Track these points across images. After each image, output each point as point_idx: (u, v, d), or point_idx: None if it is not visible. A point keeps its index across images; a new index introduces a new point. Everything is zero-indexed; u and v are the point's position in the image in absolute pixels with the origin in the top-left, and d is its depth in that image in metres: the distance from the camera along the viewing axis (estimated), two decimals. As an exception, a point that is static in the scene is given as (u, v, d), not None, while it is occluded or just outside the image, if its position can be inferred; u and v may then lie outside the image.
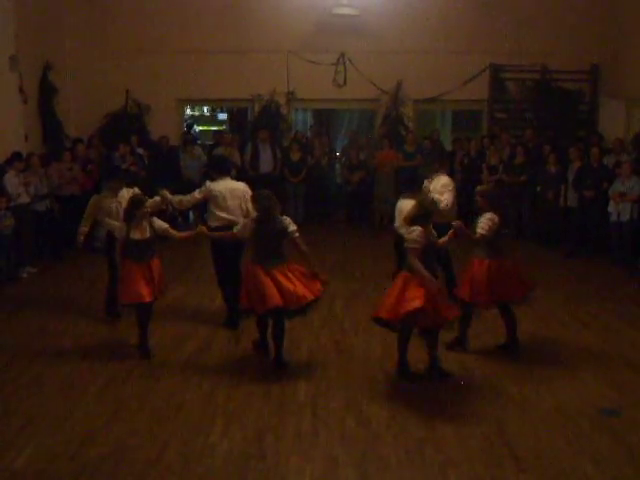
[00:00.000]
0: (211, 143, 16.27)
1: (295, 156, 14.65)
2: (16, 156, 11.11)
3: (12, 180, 10.77)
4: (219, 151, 14.47)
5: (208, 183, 8.67)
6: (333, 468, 5.49)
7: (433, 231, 7.04)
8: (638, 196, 11.25)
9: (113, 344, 8.09)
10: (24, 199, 10.92)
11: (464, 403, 6.63)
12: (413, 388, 6.95)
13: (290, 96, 15.63)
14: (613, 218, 11.55)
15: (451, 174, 14.34)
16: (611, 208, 11.55)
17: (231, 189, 8.53)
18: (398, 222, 8.33)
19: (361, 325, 8.67)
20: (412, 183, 9.07)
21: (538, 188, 13.14)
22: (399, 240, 7.92)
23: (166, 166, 13.98)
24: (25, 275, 10.93)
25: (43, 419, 6.28)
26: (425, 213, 6.97)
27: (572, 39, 15.16)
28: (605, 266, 11.66)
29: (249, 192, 8.22)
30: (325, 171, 15.09)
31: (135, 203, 7.61)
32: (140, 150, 13.93)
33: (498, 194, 7.88)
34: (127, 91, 15.24)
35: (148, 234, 7.62)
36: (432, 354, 7.20)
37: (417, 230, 6.84)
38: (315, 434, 6.01)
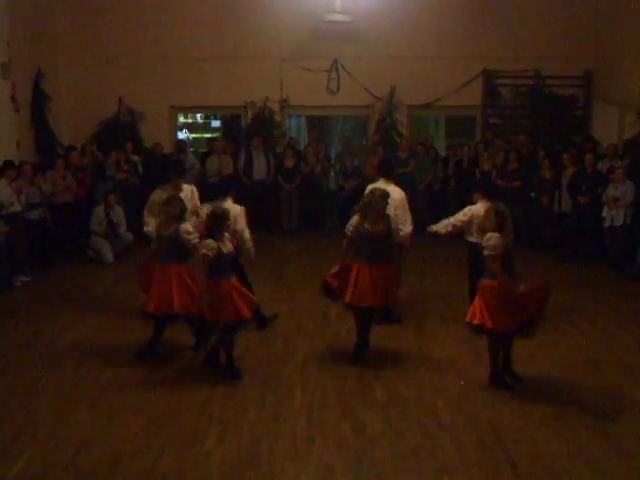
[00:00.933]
0: (204, 150, 16.24)
1: (289, 163, 14.63)
2: (8, 164, 11.06)
3: (4, 189, 10.70)
4: (213, 158, 14.45)
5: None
6: (328, 475, 5.47)
7: (510, 234, 7.05)
8: (631, 201, 11.27)
9: (108, 352, 8.05)
10: (16, 208, 10.86)
11: (460, 409, 6.62)
12: (408, 394, 6.93)
13: (283, 103, 15.63)
14: (607, 223, 11.56)
15: (446, 180, 14.48)
16: (605, 213, 11.57)
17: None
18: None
19: (356, 331, 8.64)
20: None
21: (532, 194, 13.14)
22: (474, 250, 7.97)
23: (159, 173, 13.92)
24: (19, 284, 10.87)
25: (37, 428, 6.25)
26: (501, 219, 6.94)
27: (565, 45, 15.19)
28: (600, 271, 11.66)
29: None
30: (319, 178, 15.07)
31: (220, 216, 7.16)
32: (134, 157, 13.90)
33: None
34: (120, 99, 15.23)
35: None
36: (509, 356, 7.27)
37: (494, 236, 6.83)
38: (310, 441, 5.99)
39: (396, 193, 8.42)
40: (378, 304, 7.58)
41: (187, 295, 7.49)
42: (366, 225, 7.53)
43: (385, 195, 7.70)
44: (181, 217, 7.66)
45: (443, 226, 8.67)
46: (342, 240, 7.85)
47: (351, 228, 7.65)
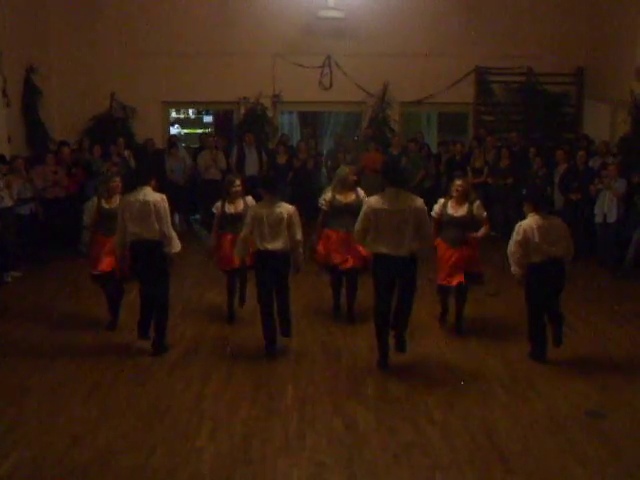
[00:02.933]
0: (196, 146, 16.21)
1: (281, 159, 14.61)
2: (-1, 159, 11.04)
3: (-5, 183, 10.68)
4: (205, 154, 14.42)
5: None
6: (320, 472, 5.47)
7: None
8: (622, 194, 11.28)
9: (99, 349, 8.03)
10: (7, 202, 10.83)
11: (452, 406, 6.62)
12: (400, 391, 6.93)
13: (276, 99, 15.62)
14: (598, 220, 11.58)
15: (437, 176, 14.48)
16: (596, 210, 11.59)
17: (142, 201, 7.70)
18: None
19: (348, 327, 8.66)
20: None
21: (524, 191, 13.14)
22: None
23: (151, 169, 13.91)
24: (9, 279, 10.84)
25: (28, 424, 6.23)
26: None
27: (557, 42, 15.24)
28: (591, 268, 11.69)
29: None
30: (311, 174, 15.05)
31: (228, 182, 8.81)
32: (126, 153, 13.86)
33: None
34: (112, 94, 15.17)
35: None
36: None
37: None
38: (302, 438, 5.99)
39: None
40: (353, 264, 8.64)
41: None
42: (338, 197, 8.91)
43: (352, 171, 9.26)
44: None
45: (516, 263, 7.73)
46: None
47: (324, 202, 8.93)
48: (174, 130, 19.60)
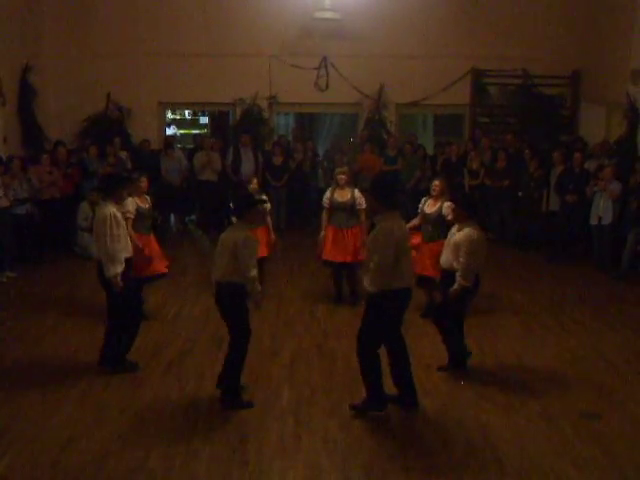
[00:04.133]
0: (192, 147, 16.20)
1: (277, 160, 14.59)
2: (-4, 159, 11.03)
3: (-9, 183, 10.67)
4: (200, 155, 14.40)
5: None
6: (316, 474, 5.47)
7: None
8: (618, 196, 11.29)
9: (95, 349, 8.00)
10: (4, 203, 10.81)
11: (448, 408, 6.63)
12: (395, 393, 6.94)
13: (272, 100, 15.59)
14: (593, 221, 11.60)
15: (433, 178, 14.45)
16: (592, 211, 11.60)
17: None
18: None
19: (343, 329, 8.66)
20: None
21: (520, 193, 13.19)
22: None
23: (147, 170, 13.91)
24: (5, 280, 10.82)
25: (23, 426, 6.22)
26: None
27: (553, 45, 15.26)
28: (587, 270, 11.72)
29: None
30: (307, 175, 15.05)
31: None
32: (123, 154, 13.84)
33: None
34: (108, 94, 15.15)
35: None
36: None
37: None
38: (298, 439, 6.00)
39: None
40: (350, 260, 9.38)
41: None
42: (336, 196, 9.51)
43: (341, 172, 9.67)
44: None
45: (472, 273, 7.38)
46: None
47: (327, 201, 9.57)
48: (170, 131, 19.58)
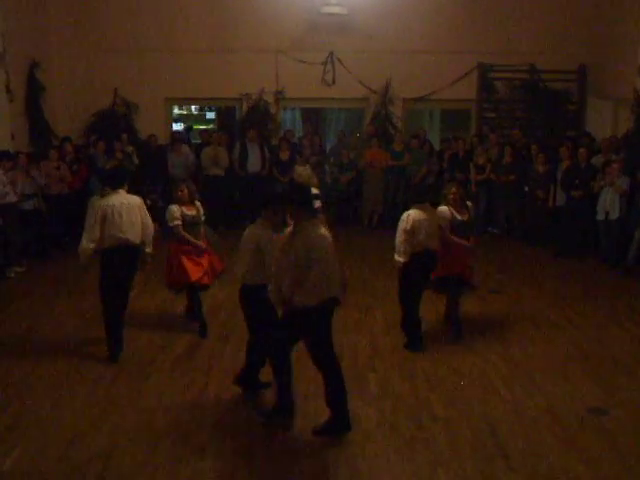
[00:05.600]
0: (199, 142, 16.21)
1: (284, 155, 14.59)
2: (4, 155, 11.04)
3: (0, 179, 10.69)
4: (208, 150, 14.41)
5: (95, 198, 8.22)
6: (323, 468, 5.48)
7: None
8: (625, 191, 11.27)
9: (102, 344, 8.03)
10: (11, 198, 10.85)
11: (454, 403, 6.64)
12: (402, 387, 6.95)
13: (279, 95, 15.60)
14: (600, 217, 11.57)
15: (440, 173, 14.47)
16: (599, 207, 11.58)
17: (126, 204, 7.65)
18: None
19: (350, 325, 8.67)
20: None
21: (526, 188, 13.17)
22: None
23: (154, 165, 13.97)
24: (12, 275, 10.87)
25: (31, 419, 6.25)
26: None
27: (560, 39, 15.20)
28: (593, 265, 11.70)
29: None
30: (314, 171, 15.03)
31: None
32: (129, 149, 13.87)
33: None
34: (115, 90, 15.18)
35: None
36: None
37: None
38: (304, 435, 6.00)
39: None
40: None
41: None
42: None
43: None
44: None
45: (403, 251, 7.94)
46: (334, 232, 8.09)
47: None
48: (178, 126, 19.57)
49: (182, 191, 8.38)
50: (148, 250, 7.82)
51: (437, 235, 7.92)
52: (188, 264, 8.26)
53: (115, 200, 7.54)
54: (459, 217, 8.33)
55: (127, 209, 7.55)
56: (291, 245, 5.87)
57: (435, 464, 5.53)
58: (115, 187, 7.66)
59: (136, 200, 7.76)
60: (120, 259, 7.55)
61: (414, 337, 7.97)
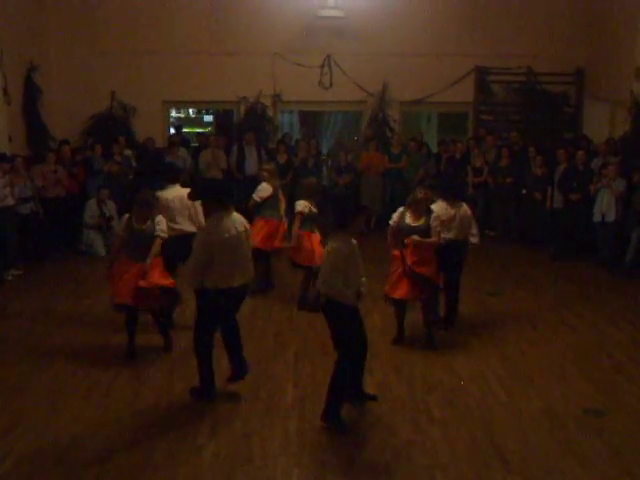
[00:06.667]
0: (196, 145, 16.21)
1: (282, 158, 14.58)
2: (1, 158, 11.03)
3: (-3, 182, 10.68)
4: (206, 153, 14.42)
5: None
6: (321, 471, 5.49)
7: None
8: (622, 193, 11.28)
9: (99, 347, 8.04)
10: (9, 201, 10.83)
11: (451, 405, 6.65)
12: (400, 390, 6.96)
13: (276, 98, 15.60)
14: (597, 219, 11.58)
15: (437, 176, 14.47)
16: (595, 209, 11.59)
17: (180, 197, 8.24)
18: None
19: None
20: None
21: (524, 190, 13.18)
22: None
23: (152, 168, 13.95)
24: (10, 278, 10.85)
25: (29, 422, 6.25)
26: None
27: (557, 42, 15.23)
28: (591, 267, 11.71)
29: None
30: (312, 173, 15.02)
31: None
32: (128, 152, 13.86)
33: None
34: (113, 93, 15.18)
35: None
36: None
37: None
38: (302, 437, 6.01)
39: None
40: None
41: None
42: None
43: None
44: None
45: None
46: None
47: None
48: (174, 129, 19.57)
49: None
50: None
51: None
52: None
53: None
54: (409, 222, 8.03)
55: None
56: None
57: (433, 467, 5.53)
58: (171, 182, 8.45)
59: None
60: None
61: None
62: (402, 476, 5.44)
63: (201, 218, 8.10)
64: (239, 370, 6.87)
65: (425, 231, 7.99)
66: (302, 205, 9.33)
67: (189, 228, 8.26)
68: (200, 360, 6.74)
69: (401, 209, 8.20)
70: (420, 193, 8.09)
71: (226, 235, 6.36)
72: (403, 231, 8.03)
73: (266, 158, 14.58)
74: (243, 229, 6.58)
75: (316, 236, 9.38)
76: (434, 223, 8.06)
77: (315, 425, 6.18)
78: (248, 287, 6.79)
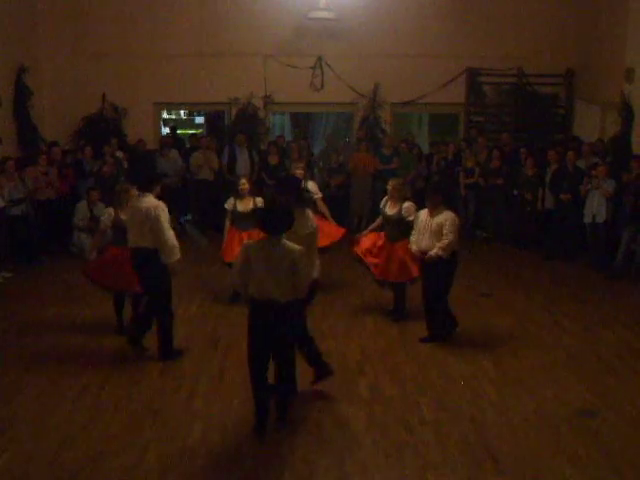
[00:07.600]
0: (188, 146, 16.20)
1: (273, 160, 14.57)
2: (-9, 160, 11.01)
3: (-13, 184, 10.66)
4: (197, 154, 14.41)
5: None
6: (312, 472, 5.49)
7: None
8: (612, 194, 11.31)
9: (90, 349, 8.03)
10: (-1, 203, 10.83)
11: (443, 406, 6.66)
12: (392, 391, 6.96)
13: (267, 100, 15.58)
14: (588, 219, 11.61)
15: (428, 177, 14.51)
16: (586, 210, 11.62)
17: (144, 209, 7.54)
18: None
19: (340, 329, 8.69)
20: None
21: (515, 191, 13.20)
22: None
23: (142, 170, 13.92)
24: (1, 280, 10.82)
25: (21, 424, 6.24)
26: None
27: (548, 44, 15.27)
28: (582, 268, 11.74)
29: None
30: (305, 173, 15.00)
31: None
32: (119, 153, 13.83)
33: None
34: (104, 94, 15.14)
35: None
36: None
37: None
38: (294, 438, 6.01)
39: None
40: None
41: None
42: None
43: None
44: None
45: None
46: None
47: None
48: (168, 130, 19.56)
49: (244, 185, 9.73)
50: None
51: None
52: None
53: None
54: (386, 210, 8.93)
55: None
56: None
57: (425, 468, 5.54)
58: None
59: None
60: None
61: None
62: (394, 477, 5.45)
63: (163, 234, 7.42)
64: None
65: (396, 220, 8.77)
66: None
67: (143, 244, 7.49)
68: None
69: (386, 197, 9.08)
70: (389, 185, 8.94)
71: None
72: (383, 217, 9.07)
73: (257, 160, 14.60)
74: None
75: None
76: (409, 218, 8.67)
77: (307, 426, 6.19)
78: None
